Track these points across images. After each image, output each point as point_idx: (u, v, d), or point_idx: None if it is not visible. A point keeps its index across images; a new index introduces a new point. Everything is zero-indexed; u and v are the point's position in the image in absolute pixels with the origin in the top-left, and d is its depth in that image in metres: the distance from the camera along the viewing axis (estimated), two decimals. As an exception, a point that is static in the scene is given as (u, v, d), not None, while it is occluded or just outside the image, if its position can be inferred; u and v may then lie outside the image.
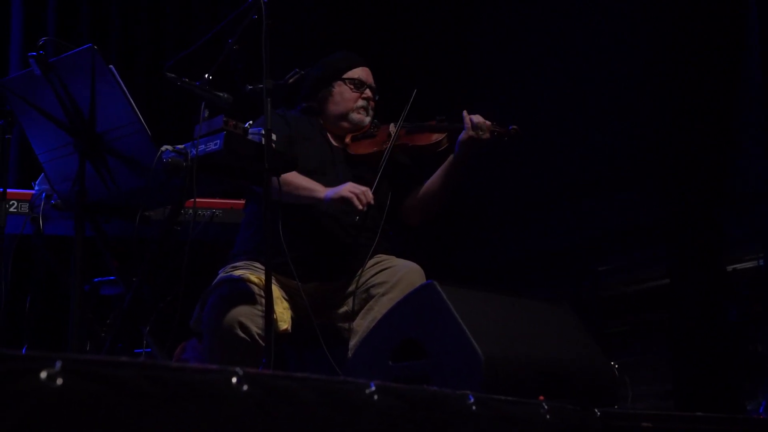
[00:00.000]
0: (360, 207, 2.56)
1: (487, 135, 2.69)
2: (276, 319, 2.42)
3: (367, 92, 2.90)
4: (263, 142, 2.24)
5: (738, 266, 3.91)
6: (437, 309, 1.97)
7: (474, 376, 1.84)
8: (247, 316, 2.44)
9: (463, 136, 2.71)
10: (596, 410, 1.74)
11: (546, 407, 1.65)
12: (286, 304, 2.56)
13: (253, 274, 2.55)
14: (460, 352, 1.88)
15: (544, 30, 4.79)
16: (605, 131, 4.45)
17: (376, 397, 1.33)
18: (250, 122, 2.31)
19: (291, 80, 2.50)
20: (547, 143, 4.68)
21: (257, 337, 2.42)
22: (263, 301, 2.34)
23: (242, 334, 2.43)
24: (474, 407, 1.50)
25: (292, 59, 2.80)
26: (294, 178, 2.61)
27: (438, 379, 1.89)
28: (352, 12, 4.96)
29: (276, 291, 2.49)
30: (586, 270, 4.46)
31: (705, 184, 3.89)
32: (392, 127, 2.83)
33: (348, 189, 2.59)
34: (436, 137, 2.77)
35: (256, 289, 2.48)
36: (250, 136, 2.31)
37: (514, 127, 2.73)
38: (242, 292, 2.49)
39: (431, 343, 1.96)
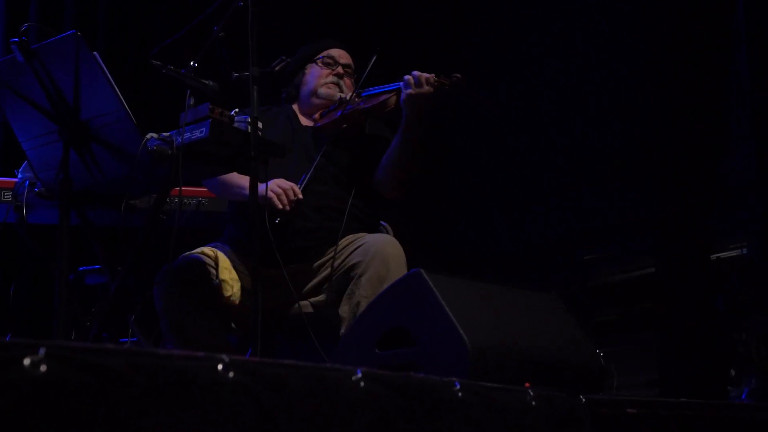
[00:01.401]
0: (280, 206, 2.51)
1: (428, 88, 2.62)
2: (220, 286, 2.50)
3: (339, 69, 2.90)
4: (249, 130, 2.23)
5: (722, 255, 3.93)
6: (424, 297, 1.97)
7: (460, 363, 1.85)
8: (193, 282, 2.50)
9: (404, 95, 2.65)
10: (582, 397, 1.74)
11: (532, 394, 1.65)
12: (235, 276, 2.57)
13: (211, 249, 2.58)
14: (446, 340, 1.89)
15: (540, 28, 4.79)
16: (593, 123, 4.46)
17: (362, 384, 1.33)
18: (236, 110, 2.31)
19: (277, 68, 2.49)
20: (536, 134, 4.69)
21: (205, 301, 2.47)
22: (213, 271, 2.49)
23: (187, 300, 2.48)
24: (460, 394, 1.50)
25: (278, 47, 2.78)
26: (230, 177, 2.60)
27: (425, 366, 1.89)
28: (348, 9, 4.93)
29: (225, 262, 2.56)
30: (574, 259, 4.48)
31: (693, 174, 3.91)
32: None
33: (270, 187, 2.50)
34: (384, 97, 2.73)
35: (206, 259, 2.52)
36: (236, 124, 2.30)
37: (457, 75, 2.65)
38: (190, 261, 2.54)
39: (418, 331, 1.97)
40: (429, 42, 5.08)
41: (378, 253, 2.50)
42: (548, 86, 4.68)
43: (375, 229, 2.84)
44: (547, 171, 4.64)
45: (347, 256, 2.59)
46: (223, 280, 2.52)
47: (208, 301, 2.51)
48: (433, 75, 2.63)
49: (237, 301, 2.55)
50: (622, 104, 4.34)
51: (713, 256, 3.89)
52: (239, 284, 2.57)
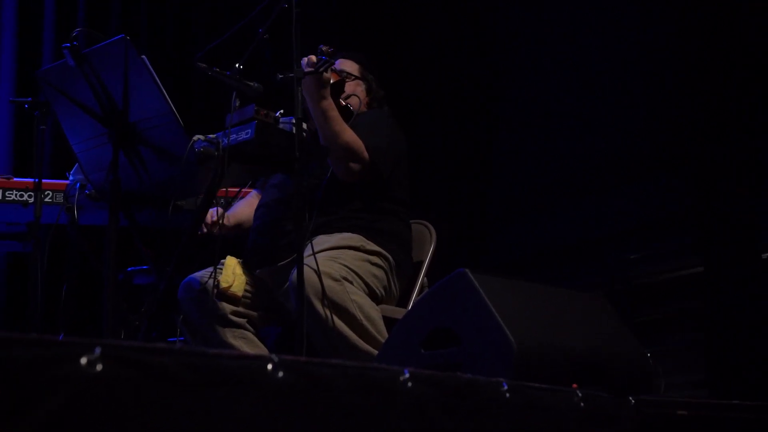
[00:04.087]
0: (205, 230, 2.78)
1: (309, 68, 2.52)
2: (220, 279, 2.61)
3: None
4: (294, 131, 2.24)
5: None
6: (469, 297, 1.96)
7: (506, 364, 1.84)
8: (198, 276, 2.67)
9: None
10: (630, 398, 1.72)
11: (580, 395, 1.64)
12: (239, 272, 2.67)
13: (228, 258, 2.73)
14: (492, 340, 1.88)
15: (569, 8, 4.74)
16: (637, 116, 4.40)
17: (409, 384, 1.34)
18: (281, 111, 2.32)
19: (321, 69, 2.49)
20: (578, 129, 4.64)
21: (206, 290, 2.61)
22: (221, 269, 2.64)
23: (194, 289, 2.63)
24: (508, 395, 1.49)
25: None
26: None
27: (470, 366, 1.88)
28: (383, 10, 4.96)
29: (232, 262, 2.68)
30: (618, 258, 4.42)
31: (739, 169, 3.83)
32: None
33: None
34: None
35: (204, 273, 2.66)
36: (281, 125, 2.32)
37: (323, 47, 2.53)
38: (184, 284, 2.68)
39: (464, 331, 1.96)
40: (456, 45, 5.07)
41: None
42: (584, 78, 4.63)
43: (365, 218, 2.74)
44: (588, 167, 4.60)
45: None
46: (225, 274, 2.65)
47: (215, 305, 2.64)
48: (307, 58, 2.55)
49: (239, 293, 2.66)
50: (663, 96, 4.27)
51: (764, 255, 3.81)
52: (242, 278, 2.68)
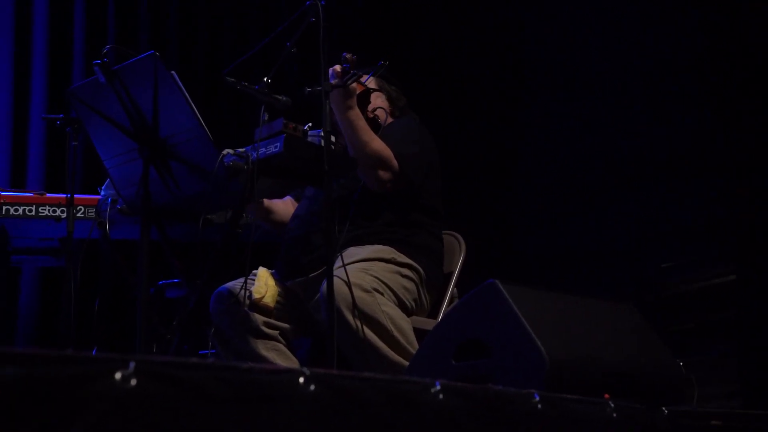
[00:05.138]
0: None
1: (335, 80, 2.51)
2: (252, 290, 2.61)
3: None
4: (323, 144, 2.25)
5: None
6: (500, 308, 1.95)
7: (538, 375, 1.83)
8: (230, 287, 2.67)
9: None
10: (664, 409, 1.71)
11: (612, 406, 1.63)
12: (271, 283, 2.67)
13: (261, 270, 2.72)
14: (523, 352, 1.87)
15: (600, 7, 4.71)
16: (669, 118, 4.35)
17: (441, 396, 1.34)
18: (310, 124, 2.34)
19: (349, 82, 2.50)
20: (606, 131, 4.60)
21: (238, 300, 2.61)
22: (252, 280, 2.64)
23: (224, 301, 2.63)
24: (540, 406, 1.49)
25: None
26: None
27: (501, 378, 1.87)
28: (404, 11, 4.98)
29: (265, 274, 2.68)
30: (649, 267, 4.38)
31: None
32: None
33: None
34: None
35: (236, 283, 2.67)
36: (309, 139, 2.33)
37: (347, 55, 2.51)
38: (216, 294, 2.69)
39: (494, 342, 1.95)
40: (479, 52, 5.05)
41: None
42: (614, 80, 4.59)
43: (398, 231, 2.73)
44: (618, 174, 4.55)
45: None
46: (258, 285, 2.65)
47: (247, 316, 2.64)
48: (338, 66, 2.54)
49: (271, 304, 2.66)
50: (697, 97, 4.22)
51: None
52: (275, 290, 2.68)
